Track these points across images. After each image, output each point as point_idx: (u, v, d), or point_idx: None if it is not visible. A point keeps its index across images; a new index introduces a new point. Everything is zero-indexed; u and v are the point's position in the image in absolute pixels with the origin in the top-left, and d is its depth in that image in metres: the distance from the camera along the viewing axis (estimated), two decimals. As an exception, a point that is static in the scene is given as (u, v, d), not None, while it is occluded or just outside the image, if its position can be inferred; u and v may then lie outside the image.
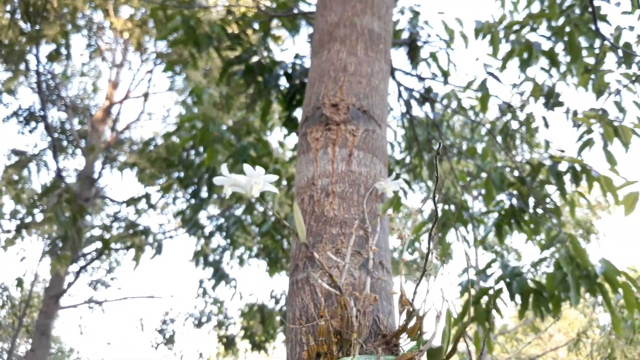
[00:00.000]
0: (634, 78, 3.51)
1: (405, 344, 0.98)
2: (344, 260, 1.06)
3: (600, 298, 3.09)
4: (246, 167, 0.96)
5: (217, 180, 1.00)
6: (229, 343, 9.69)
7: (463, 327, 3.23)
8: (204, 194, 6.16)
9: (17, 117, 9.52)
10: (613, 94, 3.82)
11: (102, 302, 10.98)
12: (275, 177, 0.95)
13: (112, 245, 6.16)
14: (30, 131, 9.62)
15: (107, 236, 6.57)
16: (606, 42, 3.68)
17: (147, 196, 6.05)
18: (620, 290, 2.93)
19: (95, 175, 8.93)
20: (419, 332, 0.96)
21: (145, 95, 10.20)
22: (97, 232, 8.30)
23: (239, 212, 7.45)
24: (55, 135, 9.82)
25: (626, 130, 3.06)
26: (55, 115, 10.22)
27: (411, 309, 0.97)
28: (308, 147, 1.33)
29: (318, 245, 1.12)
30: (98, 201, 9.33)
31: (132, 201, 5.70)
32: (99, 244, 7.65)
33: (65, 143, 10.40)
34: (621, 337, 9.20)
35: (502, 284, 3.23)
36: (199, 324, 9.82)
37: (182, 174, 5.81)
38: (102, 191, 9.25)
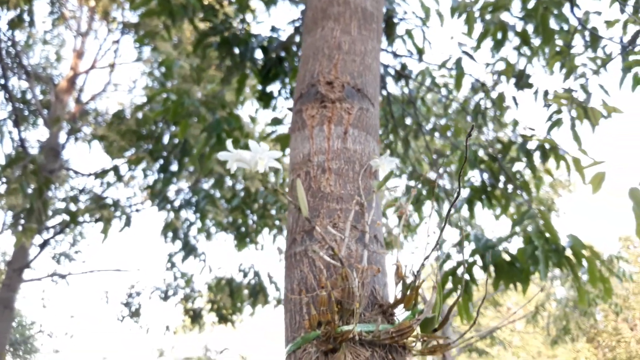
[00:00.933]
0: (600, 63, 3.62)
1: (400, 313, 1.03)
2: (342, 234, 1.09)
3: (557, 272, 3.24)
4: (251, 142, 0.97)
5: (221, 155, 1.01)
6: (195, 316, 9.72)
7: (445, 298, 3.34)
8: (174, 167, 6.09)
9: (-24, 85, 9.16)
10: (580, 76, 3.93)
11: (66, 276, 10.83)
12: (280, 154, 0.97)
13: (80, 218, 6.06)
14: (-11, 100, 9.28)
15: (74, 209, 6.45)
16: (576, 25, 3.78)
17: (115, 169, 5.95)
18: (585, 264, 3.07)
19: (60, 147, 8.71)
20: (414, 302, 1.00)
21: (112, 65, 9.94)
22: (62, 204, 8.14)
23: (207, 186, 7.41)
24: (17, 104, 9.50)
25: (596, 113, 3.17)
26: (16, 84, 9.87)
27: (408, 281, 1.02)
28: (303, 124, 1.35)
29: (316, 219, 1.15)
30: (63, 173, 9.12)
31: (101, 174, 5.60)
32: (63, 217, 7.51)
33: (27, 113, 10.08)
34: (585, 307, 9.61)
35: (476, 257, 3.34)
36: (166, 297, 9.80)
37: (151, 147, 5.72)
38: (67, 163, 9.04)
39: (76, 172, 8.89)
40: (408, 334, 0.93)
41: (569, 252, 3.09)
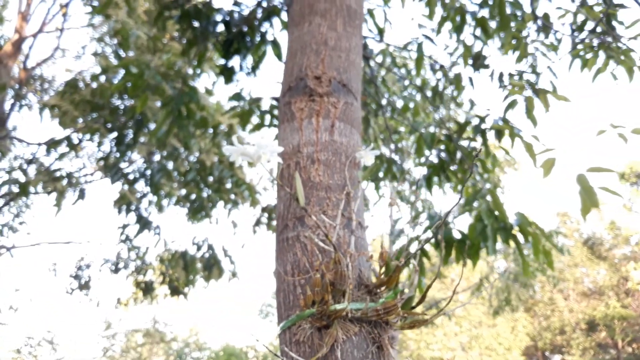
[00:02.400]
0: (551, 48, 3.82)
1: (383, 292, 1.13)
2: (332, 221, 1.18)
3: (500, 246, 3.45)
4: (255, 137, 1.04)
5: (226, 149, 1.07)
6: (147, 289, 9.67)
7: (399, 272, 3.50)
8: (129, 139, 5.99)
9: None
10: (530, 57, 4.14)
11: (10, 248, 10.53)
12: (281, 149, 1.04)
13: (31, 189, 5.90)
14: None
15: (22, 180, 6.27)
16: (529, 13, 3.96)
17: (68, 139, 5.81)
18: (530, 239, 3.29)
19: (5, 115, 8.38)
20: (396, 283, 1.11)
21: (60, 30, 9.55)
22: (6, 176, 7.85)
23: (158, 157, 7.31)
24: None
25: (547, 99, 3.36)
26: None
27: (389, 264, 1.12)
28: (292, 116, 1.42)
29: (307, 207, 1.23)
30: (7, 142, 8.78)
31: (53, 144, 5.45)
32: (9, 188, 7.27)
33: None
34: (528, 279, 10.13)
35: (429, 233, 3.51)
36: (116, 270, 9.69)
37: (106, 118, 5.60)
38: (12, 131, 8.71)
39: (22, 141, 8.58)
40: (393, 311, 1.04)
41: (515, 230, 3.30)
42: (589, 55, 3.56)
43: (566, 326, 29.85)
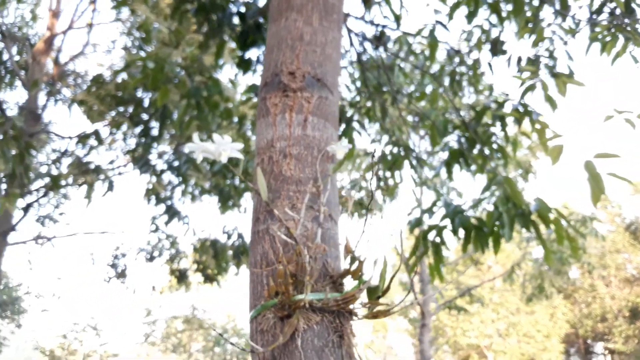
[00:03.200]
0: (569, 32, 3.73)
1: (349, 283, 1.15)
2: (299, 214, 1.21)
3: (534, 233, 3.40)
4: (215, 136, 1.07)
5: (188, 146, 1.11)
6: (181, 276, 9.89)
7: (416, 262, 3.51)
8: (154, 132, 6.13)
9: (-49, 46, 8.99)
10: (547, 40, 4.04)
11: (51, 238, 10.92)
12: (241, 145, 1.07)
13: (62, 182, 6.11)
14: (-35, 61, 9.12)
15: (56, 172, 6.50)
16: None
17: (96, 133, 5.98)
18: (552, 225, 3.23)
19: (39, 110, 8.65)
20: (360, 273, 1.13)
21: (89, 25, 9.78)
22: (45, 168, 8.15)
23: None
24: (-7, 66, 9.36)
25: (564, 82, 3.28)
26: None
27: (354, 255, 1.14)
28: (267, 112, 1.45)
29: (277, 200, 1.27)
30: (43, 136, 9.08)
31: (82, 138, 5.63)
32: (46, 180, 7.54)
33: (3, 73, 9.93)
34: (552, 268, 9.95)
35: (446, 221, 3.50)
36: (151, 258, 9.93)
37: (131, 112, 5.75)
38: (47, 126, 9.00)
39: (58, 135, 8.86)
40: (352, 301, 1.07)
41: (535, 215, 3.25)
42: (607, 39, 3.46)
43: (608, 313, 29.16)
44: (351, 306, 1.09)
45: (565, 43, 3.68)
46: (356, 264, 1.13)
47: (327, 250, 1.17)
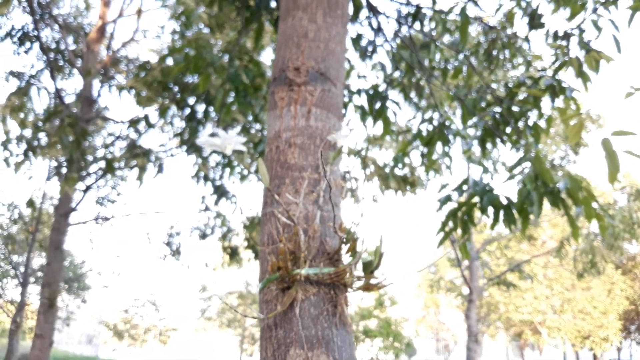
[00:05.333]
0: (609, 4, 3.64)
1: (345, 259, 1.28)
2: (303, 198, 1.34)
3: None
4: (220, 131, 1.20)
5: (198, 141, 1.25)
6: (233, 253, 10.23)
7: (446, 236, 3.60)
8: (200, 114, 6.37)
9: (11, 38, 9.51)
10: (585, 12, 3.95)
11: (109, 218, 11.51)
12: (244, 139, 1.20)
13: (116, 164, 6.46)
14: (26, 52, 9.64)
15: (110, 156, 6.86)
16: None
17: (146, 118, 6.27)
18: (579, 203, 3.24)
19: (94, 96, 9.09)
20: (354, 250, 1.26)
21: (139, 12, 10.12)
22: (101, 151, 8.60)
23: (234, 132, 7.65)
24: (51, 55, 9.86)
25: (596, 57, 3.24)
26: (49, 35, 10.18)
27: (348, 234, 1.27)
28: (275, 105, 1.59)
29: (282, 186, 1.40)
30: (99, 121, 9.54)
31: (133, 123, 5.93)
32: (103, 163, 7.97)
33: (61, 63, 10.44)
34: (578, 243, 9.70)
35: (476, 199, 3.55)
36: (204, 236, 10.29)
37: (177, 96, 5.99)
38: (102, 111, 9.44)
39: (112, 120, 9.30)
40: (343, 275, 1.19)
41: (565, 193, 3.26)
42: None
43: (671, 289, 28.09)
44: (346, 279, 1.21)
45: (604, 8, 3.60)
46: (350, 242, 1.25)
47: (324, 230, 1.30)
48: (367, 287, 1.23)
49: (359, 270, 1.23)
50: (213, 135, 1.19)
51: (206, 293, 31.50)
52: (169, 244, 11.35)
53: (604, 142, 2.21)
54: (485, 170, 6.54)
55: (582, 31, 4.03)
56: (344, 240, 1.26)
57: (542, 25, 4.37)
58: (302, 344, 1.11)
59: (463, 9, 3.76)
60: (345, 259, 1.27)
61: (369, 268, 1.23)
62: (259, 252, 1.37)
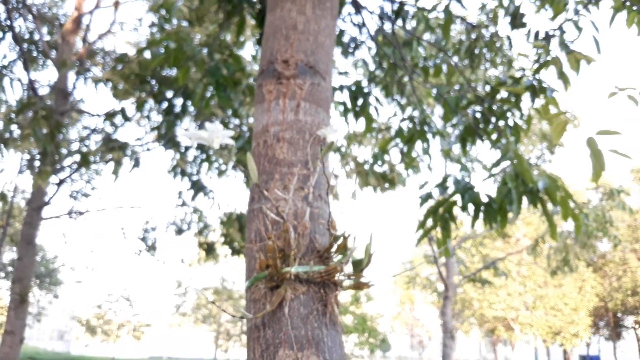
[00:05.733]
0: (590, 3, 3.69)
1: (336, 257, 1.25)
2: (289, 194, 1.31)
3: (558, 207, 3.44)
4: (207, 124, 1.16)
5: (182, 134, 1.20)
6: (209, 249, 10.13)
7: (425, 234, 3.60)
8: (178, 108, 6.27)
9: (-17, 27, 9.24)
10: (570, 11, 4.00)
11: (83, 213, 11.29)
12: (232, 132, 1.16)
13: (91, 158, 6.33)
14: (-2, 41, 9.39)
15: (85, 150, 6.72)
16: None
17: (122, 111, 6.15)
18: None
19: (69, 88, 8.89)
20: (345, 248, 1.23)
21: (116, 3, 9.93)
22: (75, 145, 8.42)
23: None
24: (25, 46, 9.61)
25: (577, 57, 3.27)
26: (22, 25, 9.93)
27: (338, 232, 1.24)
28: (263, 98, 1.54)
29: (270, 182, 1.37)
30: (73, 114, 9.34)
31: (109, 116, 5.80)
32: (77, 157, 7.80)
33: (35, 54, 10.19)
34: (578, 241, 9.88)
35: (456, 197, 3.55)
36: (180, 232, 10.18)
37: (155, 89, 5.89)
38: (77, 104, 9.25)
39: (87, 113, 9.11)
40: (334, 273, 1.17)
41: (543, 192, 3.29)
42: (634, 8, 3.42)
43: (639, 287, 28.78)
44: (336, 277, 1.19)
45: (584, 9, 3.64)
46: (341, 239, 1.23)
47: (314, 227, 1.27)
48: (357, 286, 1.20)
49: (348, 269, 1.21)
50: (192, 129, 1.15)
51: (181, 289, 31.20)
52: (144, 239, 11.20)
53: (589, 142, 2.22)
54: (465, 169, 6.58)
55: (562, 32, 4.08)
56: (335, 237, 1.23)
57: (524, 25, 4.40)
58: (291, 345, 1.08)
59: (447, 7, 3.76)
60: (335, 257, 1.24)
61: (359, 266, 1.20)
62: (246, 250, 1.33)
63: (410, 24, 4.69)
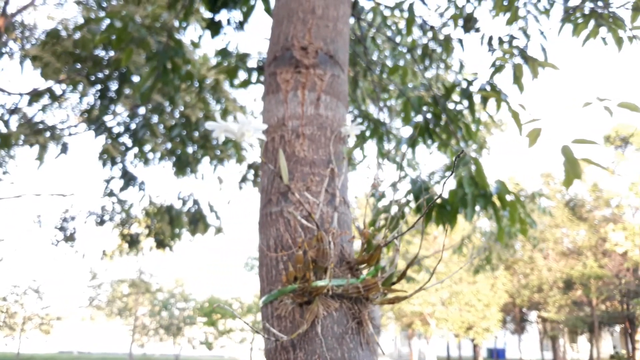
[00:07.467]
0: (543, 13, 3.79)
1: (364, 268, 1.14)
2: (316, 197, 1.18)
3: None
4: (239, 115, 1.02)
5: (209, 125, 1.05)
6: (132, 241, 9.70)
7: (373, 234, 3.55)
8: (112, 92, 5.88)
9: None
10: (522, 20, 4.10)
11: (-6, 198, 10.45)
12: (265, 126, 1.02)
13: (12, 141, 5.81)
14: None
15: (4, 131, 6.16)
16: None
17: (50, 91, 5.69)
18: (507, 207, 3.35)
19: (-15, 63, 8.16)
20: (378, 259, 1.12)
21: (40, -25, 9.21)
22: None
23: (143, 111, 7.18)
24: None
25: (536, 64, 3.35)
26: None
27: (372, 242, 1.13)
28: (277, 88, 1.38)
29: (290, 182, 1.22)
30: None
31: (35, 96, 5.34)
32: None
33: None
34: (502, 244, 10.33)
35: (410, 197, 3.55)
36: (101, 222, 9.69)
37: (89, 70, 5.48)
38: (-8, 81, 8.51)
39: (4, 91, 8.38)
40: (374, 289, 1.05)
41: (494, 197, 3.35)
42: (580, 21, 3.53)
43: (544, 284, 30.71)
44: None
45: (539, 23, 3.73)
46: (373, 250, 1.12)
47: (342, 235, 1.15)
48: (391, 300, 1.09)
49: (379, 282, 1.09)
50: (221, 121, 0.99)
51: (96, 280, 29.83)
52: (62, 228, 10.53)
53: (564, 150, 2.25)
54: (400, 169, 6.64)
55: (512, 38, 4.17)
56: (368, 247, 1.12)
57: (477, 29, 4.46)
58: (327, 368, 0.95)
59: (411, 6, 3.73)
60: (365, 269, 1.13)
61: (390, 280, 1.10)
62: (262, 258, 1.19)
63: (366, 22, 4.63)
